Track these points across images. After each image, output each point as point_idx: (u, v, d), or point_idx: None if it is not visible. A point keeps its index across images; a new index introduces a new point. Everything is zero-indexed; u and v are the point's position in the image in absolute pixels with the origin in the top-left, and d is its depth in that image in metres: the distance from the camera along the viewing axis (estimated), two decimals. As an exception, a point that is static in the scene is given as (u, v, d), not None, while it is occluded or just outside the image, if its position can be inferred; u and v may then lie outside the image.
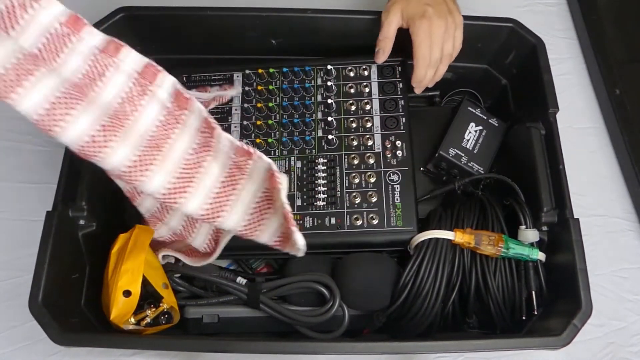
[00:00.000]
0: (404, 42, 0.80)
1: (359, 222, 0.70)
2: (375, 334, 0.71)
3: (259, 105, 0.77)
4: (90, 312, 0.67)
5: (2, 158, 0.87)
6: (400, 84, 0.77)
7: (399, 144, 0.73)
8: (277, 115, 0.77)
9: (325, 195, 0.71)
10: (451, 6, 0.73)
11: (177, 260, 0.72)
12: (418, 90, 0.75)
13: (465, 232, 0.66)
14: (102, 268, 0.68)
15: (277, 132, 0.76)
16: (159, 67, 0.57)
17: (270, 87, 0.77)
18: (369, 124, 0.75)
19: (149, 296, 0.67)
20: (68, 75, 0.53)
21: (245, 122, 0.76)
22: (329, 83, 0.77)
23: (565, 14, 1.01)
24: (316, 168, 0.73)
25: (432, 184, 0.79)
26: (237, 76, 0.79)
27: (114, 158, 0.53)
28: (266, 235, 0.61)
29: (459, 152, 0.77)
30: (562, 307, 0.64)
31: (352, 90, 0.77)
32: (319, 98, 0.77)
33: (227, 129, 0.76)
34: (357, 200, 0.71)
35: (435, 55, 0.71)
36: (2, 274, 0.79)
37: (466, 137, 0.78)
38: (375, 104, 0.76)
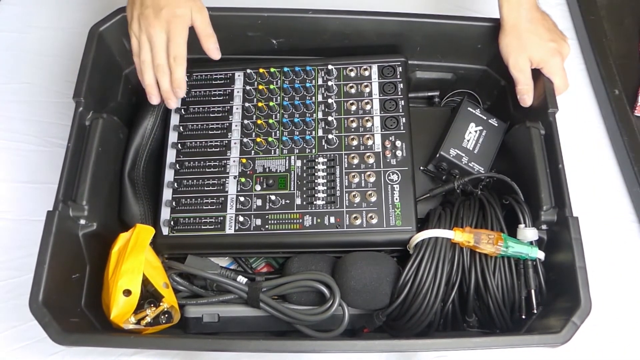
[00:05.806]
0: (404, 42, 0.80)
1: (358, 222, 0.70)
2: (375, 333, 0.71)
3: (260, 104, 0.77)
4: (90, 312, 0.67)
5: (2, 158, 0.87)
6: (401, 84, 0.77)
7: (398, 144, 0.73)
8: (278, 114, 0.77)
9: (325, 195, 0.71)
10: (558, 32, 0.77)
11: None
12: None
13: (464, 230, 0.66)
14: (103, 268, 0.68)
15: (278, 131, 0.76)
16: None
17: (271, 87, 0.78)
18: (369, 124, 0.75)
19: (149, 295, 0.67)
20: None
21: (246, 121, 0.76)
22: (329, 83, 0.77)
23: (565, 14, 1.02)
24: (316, 167, 0.73)
25: (432, 184, 0.79)
26: (239, 75, 0.80)
27: None
28: None
29: (460, 153, 0.77)
30: (561, 305, 0.64)
31: (353, 90, 0.77)
32: (320, 98, 0.77)
33: (228, 128, 0.76)
34: (357, 200, 0.71)
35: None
36: (2, 274, 0.79)
37: (466, 137, 0.78)
38: (376, 104, 0.76)
